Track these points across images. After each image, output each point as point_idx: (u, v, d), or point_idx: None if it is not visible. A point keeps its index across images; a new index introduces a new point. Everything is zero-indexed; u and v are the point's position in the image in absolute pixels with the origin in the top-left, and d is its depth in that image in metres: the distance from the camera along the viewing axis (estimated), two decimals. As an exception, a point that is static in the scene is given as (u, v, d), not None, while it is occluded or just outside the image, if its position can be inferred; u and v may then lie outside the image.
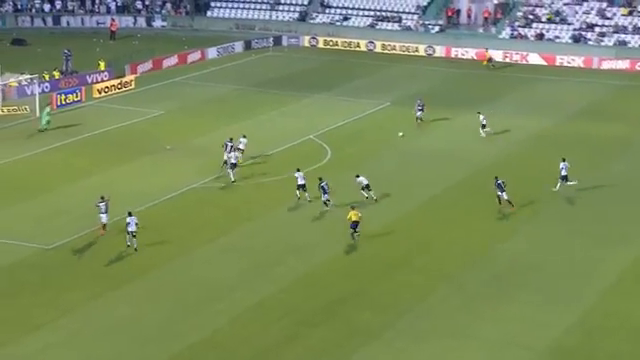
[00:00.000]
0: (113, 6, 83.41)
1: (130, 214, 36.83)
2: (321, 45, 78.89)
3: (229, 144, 45.46)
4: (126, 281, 34.07)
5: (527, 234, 39.46)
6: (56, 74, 62.77)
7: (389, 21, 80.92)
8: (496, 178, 41.55)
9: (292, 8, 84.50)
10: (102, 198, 38.37)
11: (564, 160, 43.48)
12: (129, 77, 64.01)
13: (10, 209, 40.55)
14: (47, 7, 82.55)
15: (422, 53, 76.23)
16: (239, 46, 76.53)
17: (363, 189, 42.20)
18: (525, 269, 36.08)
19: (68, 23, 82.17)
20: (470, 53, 73.85)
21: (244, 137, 47.92)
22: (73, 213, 40.22)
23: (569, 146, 51.56)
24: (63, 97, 57.77)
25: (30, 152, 48.28)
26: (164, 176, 45.12)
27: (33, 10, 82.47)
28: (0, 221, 39.25)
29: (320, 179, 41.35)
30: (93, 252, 36.52)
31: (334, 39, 79.12)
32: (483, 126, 52.64)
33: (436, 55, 75.65)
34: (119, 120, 54.79)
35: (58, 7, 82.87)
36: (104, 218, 38.01)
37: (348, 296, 33.52)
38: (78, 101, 58.38)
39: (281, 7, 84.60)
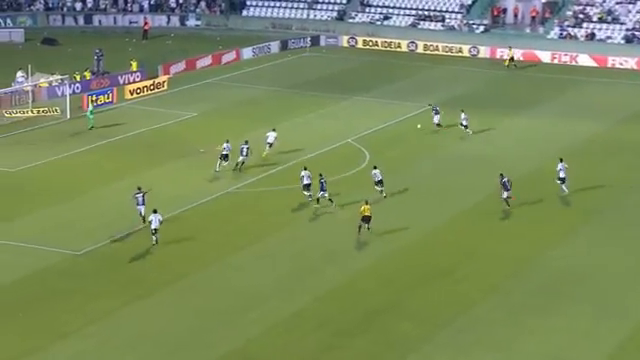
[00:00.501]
0: (146, 4, 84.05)
1: (155, 211, 37.40)
2: (360, 45, 78.77)
3: (244, 147, 45.99)
4: (157, 288, 34.23)
5: (576, 242, 39.01)
6: (87, 74, 63.35)
7: (432, 20, 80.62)
8: (501, 175, 41.63)
9: (330, 7, 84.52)
10: (139, 189, 39.30)
11: (561, 160, 43.48)
12: (162, 78, 64.44)
13: (40, 213, 40.96)
14: (79, 5, 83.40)
15: (466, 54, 75.83)
16: (275, 46, 76.70)
17: (376, 184, 42.59)
18: (574, 279, 35.66)
19: (100, 22, 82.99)
20: (517, 54, 73.30)
21: (273, 130, 48.38)
22: (104, 217, 40.53)
23: (620, 151, 50.92)
24: (94, 98, 58.24)
25: (61, 155, 48.72)
26: (197, 180, 45.34)
27: (64, 9, 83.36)
28: (30, 225, 39.67)
29: (320, 175, 41.82)
30: (124, 258, 36.74)
31: (374, 39, 78.99)
32: (465, 126, 52.51)
33: (480, 56, 75.20)
34: (151, 122, 55.18)
35: (90, 5, 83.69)
36: (141, 210, 38.75)
37: (386, 306, 33.38)
38: (109, 102, 58.87)
39: (319, 6, 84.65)
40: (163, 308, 32.94)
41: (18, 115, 55.51)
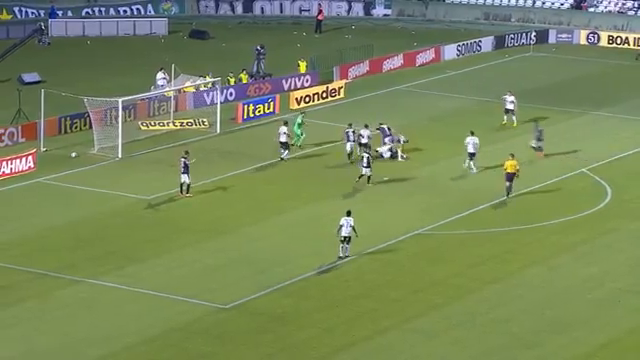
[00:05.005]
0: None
1: (348, 214, 40.59)
2: (604, 43, 77.74)
3: (349, 132, 52.04)
4: (324, 358, 34.59)
5: None
6: (244, 77, 65.34)
7: None
8: (535, 122, 47.34)
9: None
10: (186, 153, 45.43)
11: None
12: (338, 83, 65.66)
13: (179, 253, 42.22)
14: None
15: None
16: (488, 43, 76.73)
17: (468, 158, 49.83)
18: None
19: (262, 10, 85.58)
20: None
21: (285, 124, 52.30)
22: (257, 262, 41.44)
23: None
24: (251, 108, 59.96)
25: (207, 180, 50.03)
26: (377, 217, 45.76)
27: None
28: (166, 269, 40.87)
29: (367, 147, 49.03)
30: (281, 315, 37.31)
31: (624, 35, 77.66)
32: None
33: None
34: (323, 140, 56.14)
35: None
36: (184, 179, 46.24)
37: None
38: (270, 113, 60.43)
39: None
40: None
41: (156, 128, 57.80)
